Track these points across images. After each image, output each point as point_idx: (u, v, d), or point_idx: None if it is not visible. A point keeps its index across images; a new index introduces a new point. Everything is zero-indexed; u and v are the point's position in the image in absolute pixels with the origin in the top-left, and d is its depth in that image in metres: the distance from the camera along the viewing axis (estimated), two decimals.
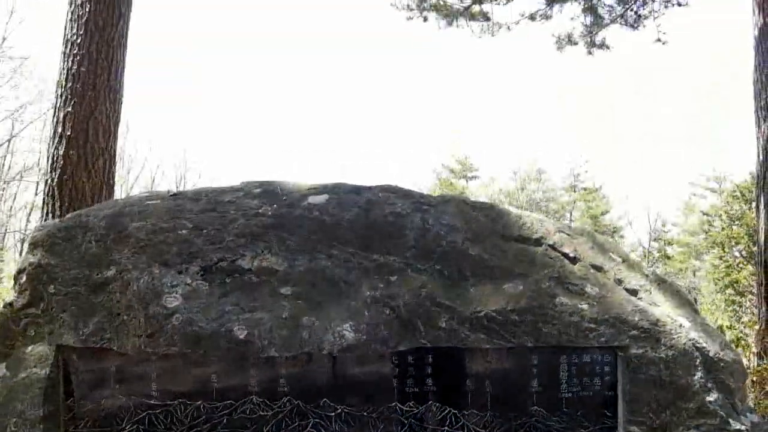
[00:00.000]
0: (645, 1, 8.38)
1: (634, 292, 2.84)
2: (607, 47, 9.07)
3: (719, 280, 22.03)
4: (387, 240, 2.80)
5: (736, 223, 21.83)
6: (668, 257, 29.34)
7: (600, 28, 8.92)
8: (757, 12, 6.52)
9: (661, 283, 2.98)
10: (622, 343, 2.68)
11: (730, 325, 14.29)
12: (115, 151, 6.79)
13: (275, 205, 2.86)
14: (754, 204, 8.85)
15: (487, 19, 9.76)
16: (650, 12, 8.45)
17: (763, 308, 6.40)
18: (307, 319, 2.57)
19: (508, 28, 9.40)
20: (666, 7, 8.81)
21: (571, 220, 30.37)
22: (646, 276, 2.97)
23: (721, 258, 22.41)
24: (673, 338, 2.68)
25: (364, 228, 2.82)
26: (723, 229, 23.22)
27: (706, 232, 27.44)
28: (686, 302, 2.95)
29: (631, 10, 8.50)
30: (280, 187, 2.98)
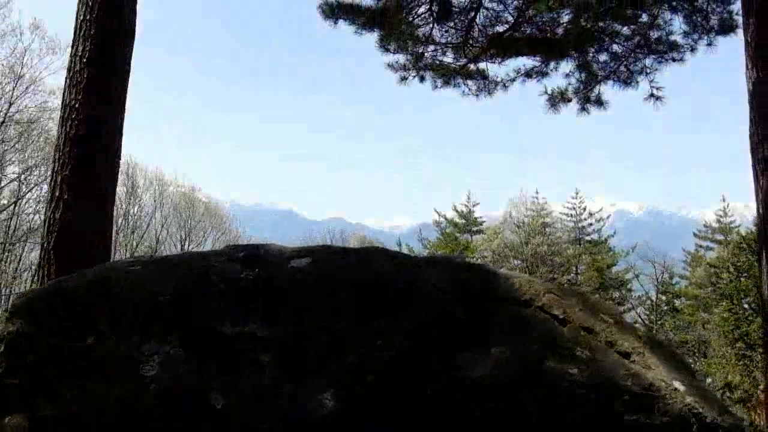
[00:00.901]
0: (637, 57, 8.46)
1: (626, 355, 2.74)
2: (602, 104, 9.10)
3: (729, 332, 21.68)
4: (372, 304, 2.74)
5: (744, 274, 21.64)
6: (677, 310, 29.01)
7: (595, 84, 8.98)
8: (750, 66, 6.55)
9: (656, 345, 2.88)
10: (615, 410, 2.56)
11: (741, 382, 13.97)
12: (112, 214, 6.82)
13: (257, 270, 2.81)
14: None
15: (485, 77, 9.87)
16: (642, 68, 8.52)
17: None
18: (287, 387, 2.49)
19: (505, 86, 9.47)
20: (660, 63, 8.90)
21: (577, 274, 30.18)
22: (640, 338, 2.88)
23: (730, 310, 22.12)
24: (668, 404, 2.57)
25: (348, 291, 2.77)
26: (731, 281, 23.03)
27: (714, 284, 27.23)
28: (682, 365, 2.85)
29: (624, 66, 8.57)
30: (264, 251, 2.94)
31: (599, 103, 9.07)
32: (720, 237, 29.95)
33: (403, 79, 9.26)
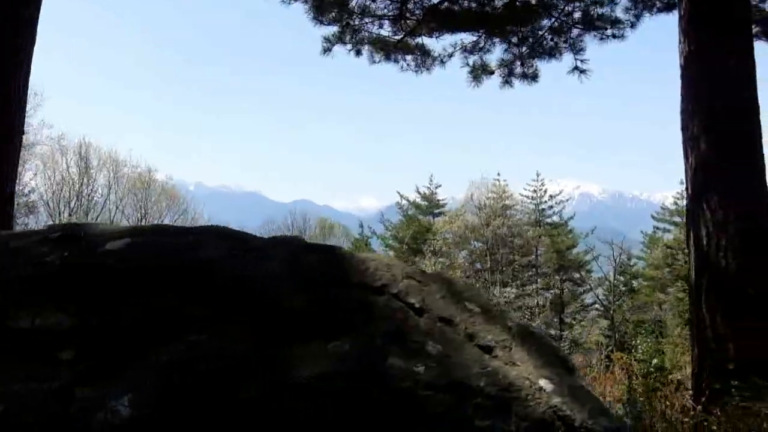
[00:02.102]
0: (560, 28, 8.12)
1: (488, 349, 2.40)
2: (535, 78, 8.71)
3: (684, 313, 21.94)
4: (195, 291, 2.36)
5: None
6: (634, 291, 29.32)
7: (532, 58, 8.62)
8: (683, 39, 6.29)
9: (526, 337, 2.54)
10: (466, 415, 2.21)
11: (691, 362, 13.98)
12: (13, 195, 6.32)
13: (67, 253, 2.41)
14: None
15: (425, 52, 9.47)
16: (566, 41, 8.19)
17: (696, 351, 6.01)
18: (80, 392, 2.11)
19: (442, 61, 9.06)
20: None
21: (537, 255, 30.25)
22: (509, 329, 2.54)
23: (684, 291, 22.34)
24: (529, 406, 2.24)
25: (168, 277, 2.38)
26: (686, 262, 23.19)
27: (670, 265, 27.51)
28: (555, 360, 2.52)
29: (549, 37, 8.21)
30: (85, 231, 2.54)
31: (532, 77, 8.69)
32: (677, 219, 30.22)
33: (326, 50, 8.76)
